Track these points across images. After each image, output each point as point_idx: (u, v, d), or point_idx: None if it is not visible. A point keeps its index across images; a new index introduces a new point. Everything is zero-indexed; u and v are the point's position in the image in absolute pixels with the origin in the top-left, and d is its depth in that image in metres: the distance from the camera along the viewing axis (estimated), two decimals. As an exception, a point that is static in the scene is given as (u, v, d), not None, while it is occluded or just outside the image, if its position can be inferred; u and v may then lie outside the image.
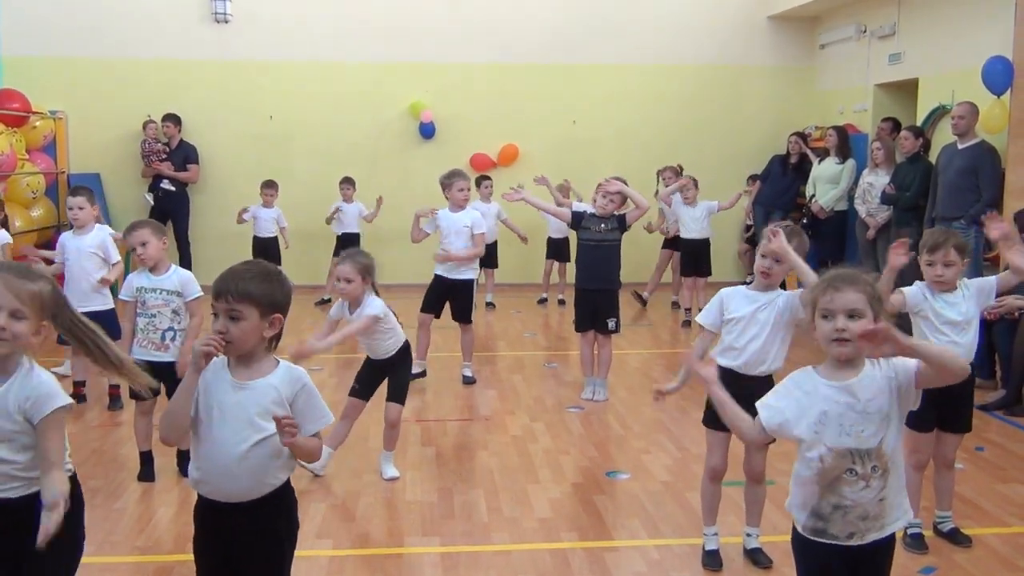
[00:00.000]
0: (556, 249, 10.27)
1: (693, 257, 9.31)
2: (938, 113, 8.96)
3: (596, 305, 6.49)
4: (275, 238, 9.94)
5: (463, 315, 6.95)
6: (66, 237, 6.07)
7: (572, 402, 6.54)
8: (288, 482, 2.77)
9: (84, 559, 2.83)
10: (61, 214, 10.60)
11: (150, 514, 4.52)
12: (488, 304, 10.13)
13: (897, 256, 3.97)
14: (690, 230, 9.26)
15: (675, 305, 10.12)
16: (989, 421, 6.11)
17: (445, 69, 11.36)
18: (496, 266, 10.21)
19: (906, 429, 2.76)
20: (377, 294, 4.82)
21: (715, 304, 3.97)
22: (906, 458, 2.98)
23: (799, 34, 11.81)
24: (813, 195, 9.99)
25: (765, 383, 3.63)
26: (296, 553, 2.82)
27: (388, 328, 4.88)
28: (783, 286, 4.30)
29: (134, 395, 4.93)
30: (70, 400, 2.58)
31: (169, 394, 4.81)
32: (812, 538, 2.63)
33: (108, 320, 5.71)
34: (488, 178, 10.12)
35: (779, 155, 10.89)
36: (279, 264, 9.89)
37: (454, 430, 5.96)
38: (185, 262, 9.95)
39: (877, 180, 8.80)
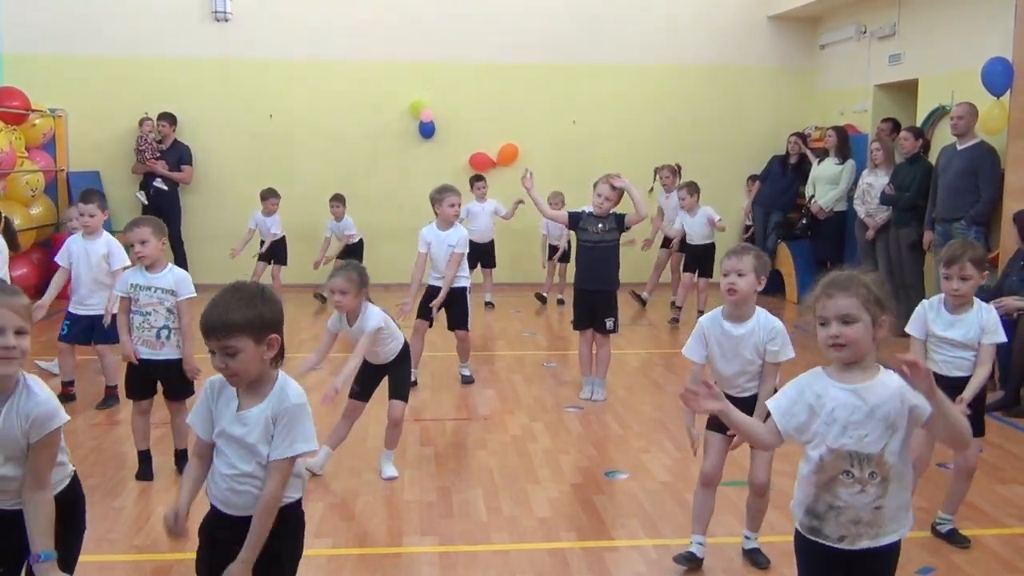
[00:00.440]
0: (555, 251, 10.24)
1: (696, 259, 9.35)
2: (938, 114, 8.96)
3: (594, 305, 6.49)
4: (283, 237, 9.93)
5: (459, 323, 6.87)
6: (73, 241, 6.02)
7: (571, 402, 6.53)
8: (299, 504, 2.73)
9: (82, 558, 2.84)
10: (60, 212, 10.61)
11: (148, 513, 4.51)
12: (487, 304, 10.12)
13: None
14: (694, 237, 9.30)
15: (674, 305, 10.12)
16: (988, 422, 6.06)
17: (445, 68, 11.36)
18: (494, 265, 10.20)
19: None
20: (371, 302, 4.81)
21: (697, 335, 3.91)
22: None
23: (799, 34, 11.81)
24: (812, 195, 9.99)
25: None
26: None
27: (388, 334, 4.88)
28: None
29: (132, 395, 4.94)
30: (67, 417, 2.62)
31: (165, 392, 4.87)
32: (809, 537, 2.64)
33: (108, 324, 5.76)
34: (481, 179, 10.13)
35: (779, 155, 10.90)
36: (285, 263, 9.92)
37: (453, 429, 5.96)
38: (179, 262, 9.93)
39: (876, 181, 8.80)
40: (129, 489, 4.80)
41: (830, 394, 2.57)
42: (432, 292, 6.71)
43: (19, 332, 2.50)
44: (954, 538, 4.23)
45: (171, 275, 4.85)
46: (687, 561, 3.93)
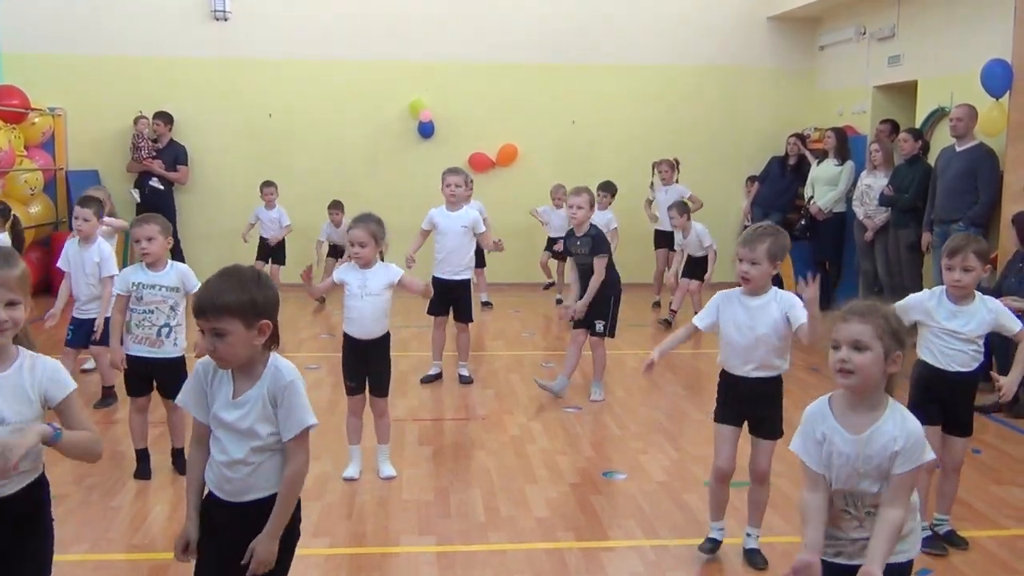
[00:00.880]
0: (554, 243, 10.24)
1: (693, 265, 9.39)
2: (937, 115, 8.95)
3: (587, 309, 6.52)
4: (283, 239, 9.93)
5: (465, 315, 6.97)
6: (69, 246, 6.03)
7: (570, 402, 6.54)
8: None
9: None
10: (59, 211, 10.61)
11: (146, 512, 4.51)
12: (484, 304, 10.11)
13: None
14: (694, 249, 9.32)
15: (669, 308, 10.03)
16: (985, 423, 6.10)
17: (445, 68, 11.36)
18: (484, 264, 10.11)
19: None
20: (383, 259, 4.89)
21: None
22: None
23: (799, 35, 11.81)
24: (811, 196, 9.98)
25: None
26: (293, 552, 2.81)
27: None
28: (780, 285, 4.30)
29: (130, 392, 4.94)
30: (75, 384, 2.59)
31: (162, 390, 4.86)
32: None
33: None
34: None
35: (778, 156, 10.89)
36: (283, 263, 9.92)
37: (451, 429, 5.96)
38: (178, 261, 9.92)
39: (875, 182, 8.80)
40: (127, 488, 4.80)
41: (833, 440, 2.60)
42: (441, 287, 6.69)
43: (10, 304, 2.48)
44: (952, 539, 4.24)
45: (174, 272, 4.86)
46: (710, 546, 4.06)
